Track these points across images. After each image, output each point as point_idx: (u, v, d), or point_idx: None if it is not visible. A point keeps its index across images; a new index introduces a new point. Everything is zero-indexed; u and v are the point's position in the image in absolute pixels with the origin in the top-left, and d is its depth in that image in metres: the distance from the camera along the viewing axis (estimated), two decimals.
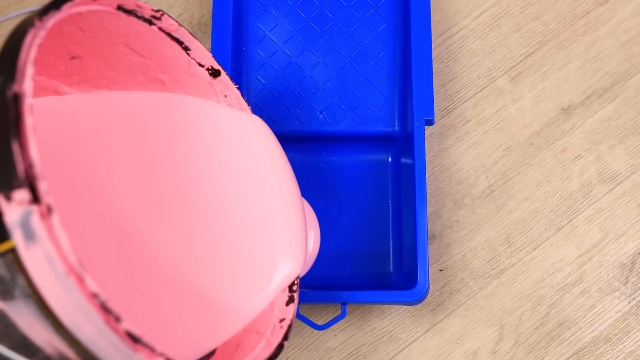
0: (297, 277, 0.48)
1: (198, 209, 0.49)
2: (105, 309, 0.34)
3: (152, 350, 0.36)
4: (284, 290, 0.47)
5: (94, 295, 0.34)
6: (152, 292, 0.47)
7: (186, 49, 0.47)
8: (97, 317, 0.34)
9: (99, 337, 0.34)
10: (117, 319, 0.34)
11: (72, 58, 0.46)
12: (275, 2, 0.59)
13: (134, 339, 0.35)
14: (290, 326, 0.46)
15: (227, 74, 0.49)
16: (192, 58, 0.48)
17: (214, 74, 0.49)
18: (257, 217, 0.49)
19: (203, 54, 0.48)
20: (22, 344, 0.36)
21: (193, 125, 0.49)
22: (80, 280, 0.34)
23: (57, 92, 0.48)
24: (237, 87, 0.49)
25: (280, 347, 0.44)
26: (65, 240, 0.33)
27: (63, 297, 0.34)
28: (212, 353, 0.46)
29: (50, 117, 0.47)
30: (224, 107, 0.50)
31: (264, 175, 0.49)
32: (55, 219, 0.33)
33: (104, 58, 0.46)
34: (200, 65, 0.48)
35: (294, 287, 0.47)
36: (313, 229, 0.56)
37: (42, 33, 0.37)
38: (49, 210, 0.33)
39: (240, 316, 0.47)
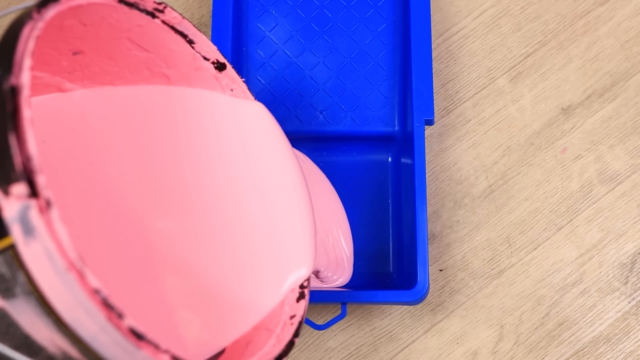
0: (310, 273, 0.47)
1: (206, 205, 0.49)
2: (107, 305, 0.33)
3: (156, 347, 0.35)
4: (294, 289, 0.46)
5: (96, 291, 0.33)
6: (160, 288, 0.47)
7: (190, 42, 0.47)
8: (99, 314, 0.33)
9: (101, 334, 0.34)
10: (120, 316, 0.34)
11: (75, 54, 0.45)
12: (275, 2, 0.59)
13: (137, 335, 0.34)
14: (301, 323, 0.44)
15: (232, 67, 0.48)
16: (196, 51, 0.47)
17: (220, 67, 0.48)
18: (266, 211, 0.48)
19: (208, 47, 0.47)
20: (24, 343, 0.35)
21: (198, 117, 0.49)
22: (81, 275, 0.33)
23: (60, 89, 0.47)
24: (243, 81, 0.49)
25: (290, 344, 0.43)
26: (65, 235, 0.33)
27: (64, 294, 0.33)
28: (221, 352, 0.46)
29: (59, 116, 0.47)
30: (228, 97, 0.49)
31: (269, 165, 0.48)
32: (55, 213, 0.33)
33: (107, 53, 0.46)
34: (205, 58, 0.47)
35: (305, 283, 0.46)
36: (342, 227, 0.55)
37: (40, 25, 0.37)
38: (48, 204, 0.33)
39: (251, 314, 0.46)
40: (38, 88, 0.46)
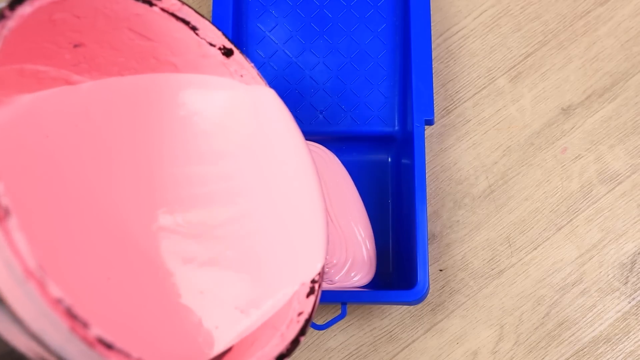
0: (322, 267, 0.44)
1: (213, 197, 0.48)
2: (71, 314, 0.32)
3: (127, 356, 0.34)
4: (304, 283, 0.44)
5: (58, 301, 0.32)
6: (166, 285, 0.46)
7: (194, 28, 0.45)
8: (62, 324, 0.32)
9: (68, 345, 0.33)
10: (85, 325, 0.32)
11: (76, 46, 0.45)
12: (275, 2, 0.59)
13: (106, 345, 0.33)
14: (308, 321, 0.42)
15: (241, 52, 0.47)
16: (201, 38, 0.45)
17: (227, 53, 0.46)
18: (275, 202, 0.46)
19: (212, 32, 0.46)
20: (8, 352, 0.35)
21: (206, 104, 0.48)
22: (42, 285, 0.32)
23: (68, 82, 0.47)
24: (252, 66, 0.47)
25: (295, 343, 0.41)
26: (24, 244, 0.32)
27: (26, 304, 0.32)
28: (228, 350, 0.44)
29: (64, 110, 0.46)
30: (238, 83, 0.47)
31: (280, 154, 0.46)
32: (13, 221, 0.32)
33: (110, 44, 0.45)
34: (211, 45, 0.46)
35: (316, 278, 0.44)
36: (363, 226, 0.55)
37: (11, 24, 0.36)
38: (6, 212, 0.32)
39: (260, 310, 0.44)
40: (45, 82, 0.46)
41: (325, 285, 0.54)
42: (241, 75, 0.47)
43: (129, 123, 0.48)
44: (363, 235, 0.55)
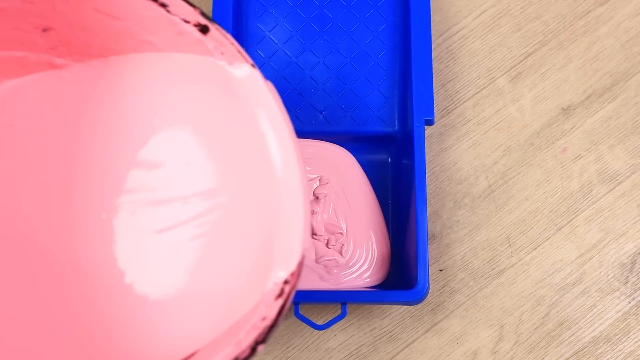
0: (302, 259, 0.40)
1: (183, 187, 0.46)
2: None
3: None
4: (276, 283, 0.40)
5: None
6: (123, 288, 0.45)
7: (163, 5, 0.42)
8: None
9: None
10: None
11: (45, 30, 0.43)
12: (275, 2, 0.59)
13: None
14: (271, 327, 0.38)
15: (219, 28, 0.43)
16: (173, 15, 0.42)
17: (203, 29, 0.43)
18: (251, 195, 0.43)
19: (184, 9, 0.42)
20: None
21: (186, 83, 0.45)
22: None
23: (52, 66, 0.46)
24: (233, 42, 0.43)
25: (251, 351, 0.37)
26: None
27: None
28: (192, 354, 0.42)
29: (37, 97, 0.45)
30: (218, 61, 0.44)
31: (258, 140, 0.42)
32: None
33: (79, 26, 0.43)
34: (185, 21, 0.43)
35: (289, 278, 0.39)
36: (375, 228, 0.54)
37: None
38: None
39: (225, 312, 0.41)
40: (28, 66, 0.45)
41: (330, 286, 0.54)
42: (222, 53, 0.43)
43: (105, 110, 0.46)
44: (381, 237, 0.55)
